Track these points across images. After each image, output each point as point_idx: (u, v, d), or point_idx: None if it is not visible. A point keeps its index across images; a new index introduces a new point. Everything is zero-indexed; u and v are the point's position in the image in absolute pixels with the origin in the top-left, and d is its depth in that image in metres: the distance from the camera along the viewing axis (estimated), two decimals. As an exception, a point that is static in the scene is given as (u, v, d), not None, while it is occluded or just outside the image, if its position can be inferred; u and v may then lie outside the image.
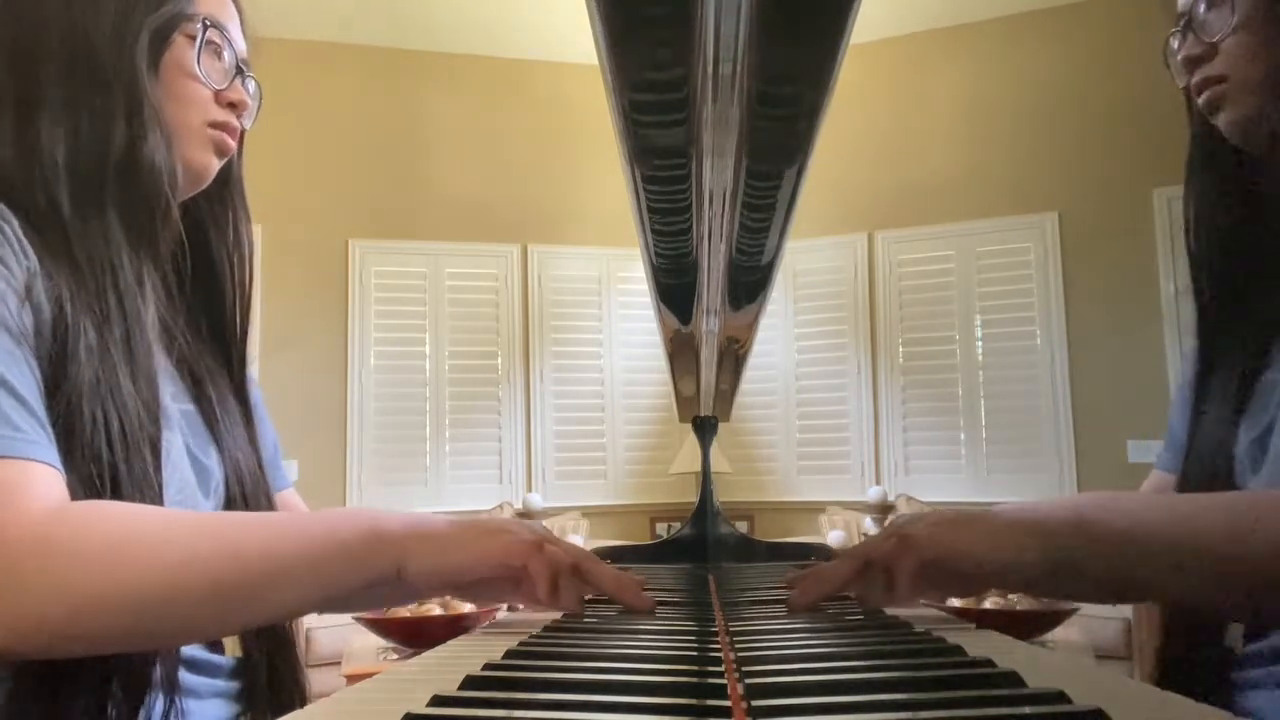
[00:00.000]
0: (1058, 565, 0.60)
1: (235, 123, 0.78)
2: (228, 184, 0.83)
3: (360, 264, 4.50)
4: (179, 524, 0.58)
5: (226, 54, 0.77)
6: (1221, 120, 0.76)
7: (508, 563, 0.61)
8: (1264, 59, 0.72)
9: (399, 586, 0.61)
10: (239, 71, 0.78)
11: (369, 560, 0.60)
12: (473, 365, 4.59)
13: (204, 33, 0.74)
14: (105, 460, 0.60)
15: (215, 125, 0.77)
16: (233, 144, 0.79)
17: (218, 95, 0.76)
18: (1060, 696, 0.34)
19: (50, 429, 0.58)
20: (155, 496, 0.63)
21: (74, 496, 0.58)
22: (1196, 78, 0.77)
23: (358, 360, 4.44)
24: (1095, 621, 3.19)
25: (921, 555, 0.61)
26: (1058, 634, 2.01)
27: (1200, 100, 0.77)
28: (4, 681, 0.56)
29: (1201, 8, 0.75)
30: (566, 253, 4.73)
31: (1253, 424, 0.73)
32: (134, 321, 0.66)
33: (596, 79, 0.53)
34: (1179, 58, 0.78)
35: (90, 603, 0.52)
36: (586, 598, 0.67)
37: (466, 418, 4.56)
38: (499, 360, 4.63)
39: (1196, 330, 0.83)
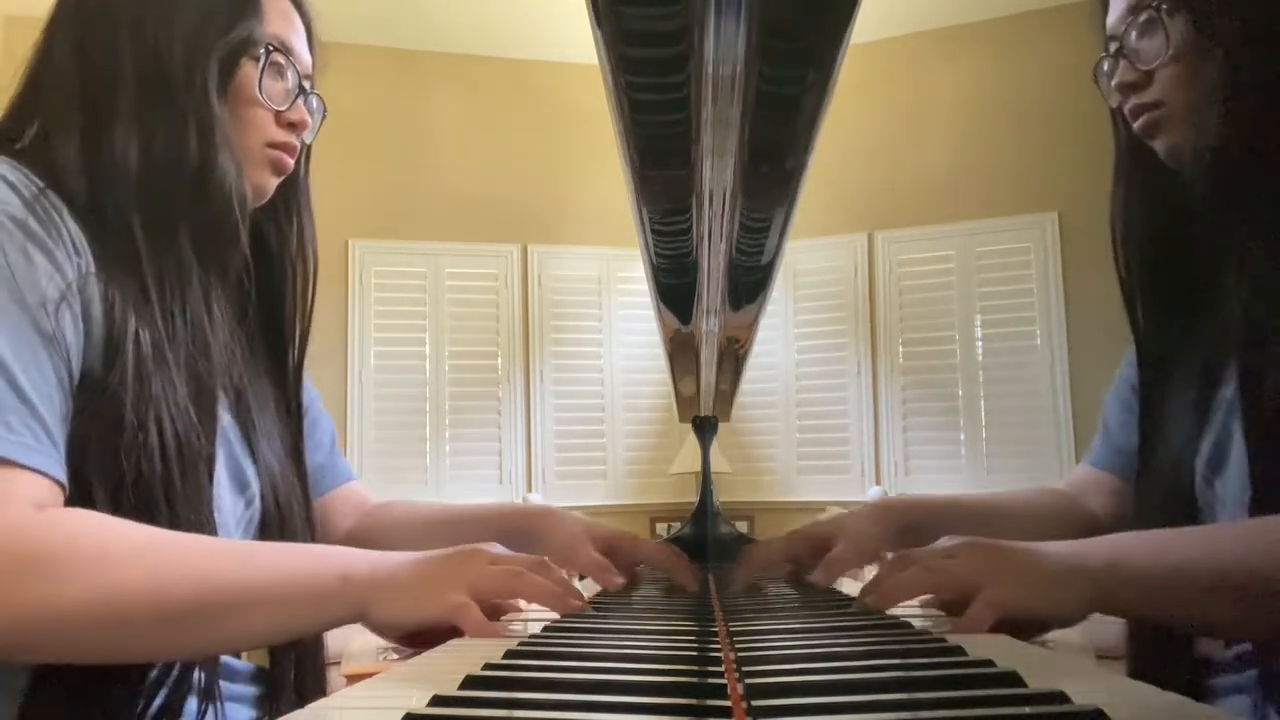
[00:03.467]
0: (1095, 607, 0.62)
1: (294, 142, 0.78)
2: (295, 197, 0.83)
3: (360, 264, 4.50)
4: (158, 544, 0.57)
5: (290, 74, 0.76)
6: (1158, 145, 0.77)
7: (451, 622, 0.60)
8: (1196, 87, 0.73)
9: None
10: (301, 90, 0.78)
11: (334, 604, 0.60)
12: (473, 365, 4.59)
13: (267, 57, 0.74)
14: (159, 474, 0.60)
15: (274, 145, 0.76)
16: (290, 162, 0.79)
17: (278, 116, 0.76)
18: (1060, 696, 0.34)
19: (57, 436, 0.57)
20: (206, 512, 0.64)
21: (121, 508, 0.58)
22: (1131, 103, 0.77)
23: (358, 360, 4.44)
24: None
25: (1000, 616, 0.59)
26: (1058, 634, 2.01)
27: (1136, 125, 0.77)
28: (21, 677, 0.57)
29: (1133, 35, 0.75)
30: (566, 253, 4.72)
31: (1208, 435, 0.73)
32: (200, 345, 0.66)
33: (596, 79, 0.53)
34: (1113, 83, 0.78)
35: (57, 614, 0.51)
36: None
37: (466, 418, 4.56)
38: (499, 360, 4.63)
39: (1137, 351, 0.84)
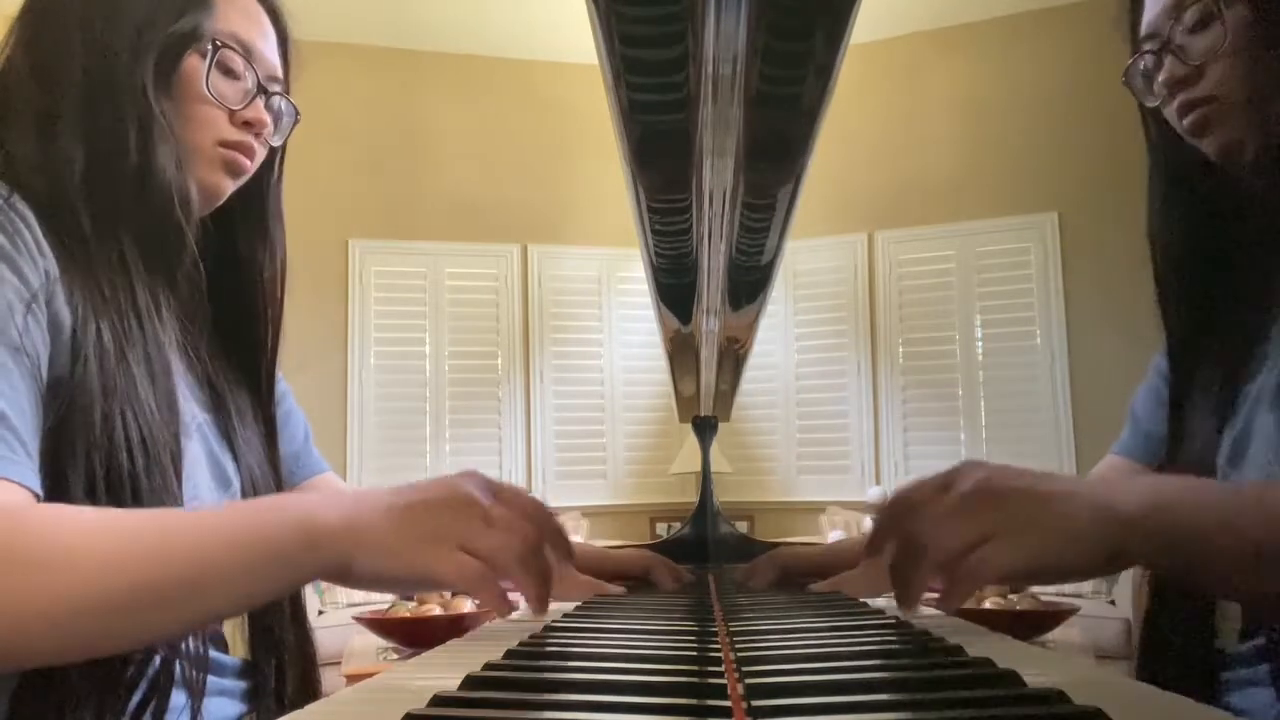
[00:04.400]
0: (1120, 557, 0.56)
1: (250, 141, 0.76)
2: (263, 204, 0.82)
3: (360, 264, 4.50)
4: (114, 528, 0.54)
5: (247, 74, 0.75)
6: (1209, 142, 0.76)
7: (450, 585, 0.58)
8: (1252, 79, 0.72)
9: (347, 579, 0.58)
10: (261, 90, 0.76)
11: (305, 561, 0.55)
12: (473, 365, 4.59)
13: (214, 53, 0.73)
14: (125, 469, 0.60)
15: (227, 145, 0.75)
16: (247, 163, 0.77)
17: (232, 115, 0.74)
18: (1060, 696, 0.34)
19: (31, 446, 0.56)
20: (177, 505, 0.63)
21: (91, 503, 0.57)
22: (1180, 100, 0.76)
23: (358, 360, 4.44)
24: (1095, 621, 3.19)
25: (984, 583, 0.55)
26: (1058, 634, 2.01)
27: (1186, 122, 0.76)
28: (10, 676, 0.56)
29: (1180, 30, 0.75)
30: (566, 253, 4.73)
31: (1230, 430, 0.73)
32: (152, 342, 0.65)
33: (596, 79, 0.53)
34: (1160, 79, 0.78)
35: (24, 613, 0.49)
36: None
37: (466, 418, 4.56)
38: (499, 360, 4.63)
39: (1167, 348, 0.83)
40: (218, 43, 0.73)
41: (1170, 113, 0.78)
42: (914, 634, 0.54)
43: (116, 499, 0.59)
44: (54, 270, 0.61)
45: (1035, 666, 0.42)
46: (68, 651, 0.53)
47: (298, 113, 0.82)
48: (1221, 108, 0.74)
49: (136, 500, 0.60)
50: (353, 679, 2.20)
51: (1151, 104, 0.79)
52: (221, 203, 0.78)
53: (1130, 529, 0.55)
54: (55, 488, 0.58)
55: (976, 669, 0.41)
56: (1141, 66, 0.79)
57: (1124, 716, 0.32)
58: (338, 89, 4.55)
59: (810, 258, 4.59)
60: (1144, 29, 0.79)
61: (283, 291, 0.84)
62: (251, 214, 0.82)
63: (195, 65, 0.72)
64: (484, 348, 4.62)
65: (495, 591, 0.57)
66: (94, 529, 0.53)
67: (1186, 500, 0.57)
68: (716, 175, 0.63)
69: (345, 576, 0.57)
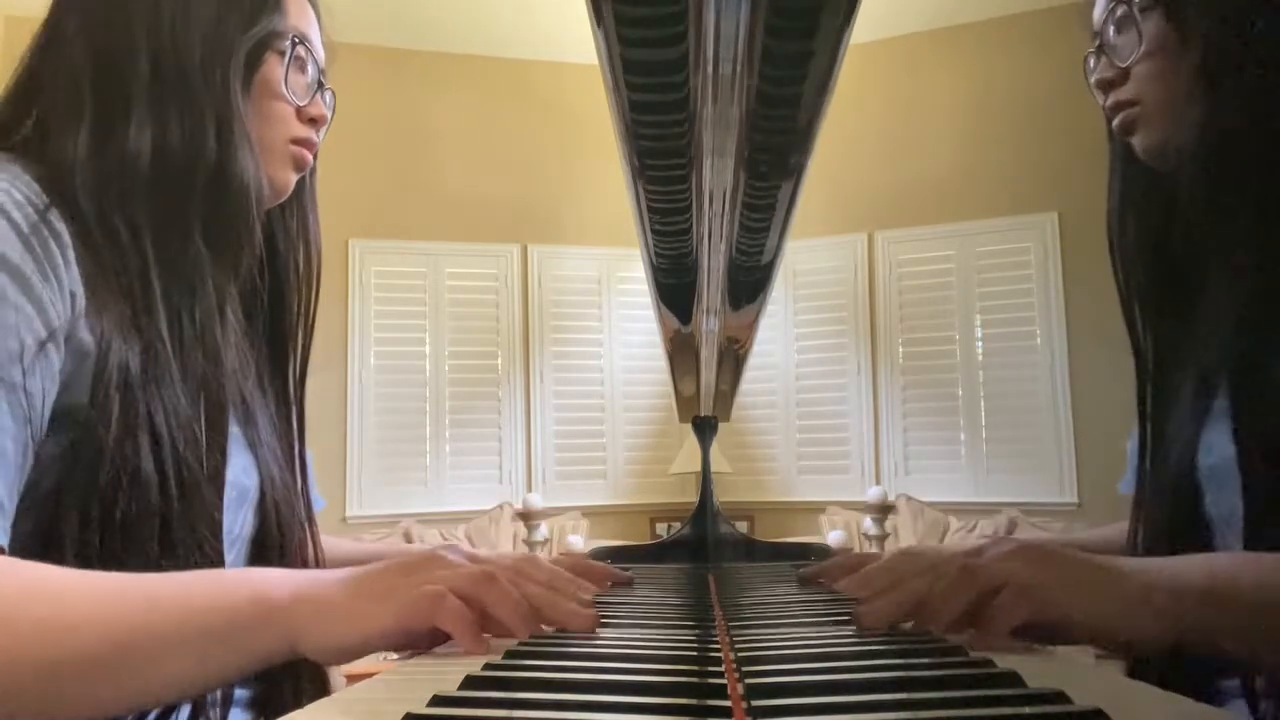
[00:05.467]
0: (1183, 640, 0.51)
1: (315, 138, 0.77)
2: (302, 198, 0.82)
3: (360, 264, 4.50)
4: (63, 595, 0.50)
5: (310, 68, 0.76)
6: (1136, 143, 0.76)
7: (409, 628, 0.52)
8: (1171, 83, 0.72)
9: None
10: (319, 85, 0.77)
11: (257, 634, 0.51)
12: (473, 365, 4.59)
13: (293, 49, 0.73)
14: (154, 503, 0.58)
15: (296, 141, 0.76)
16: (310, 159, 0.78)
17: (299, 111, 0.75)
18: (1060, 696, 0.34)
19: (3, 494, 0.53)
20: (208, 534, 0.61)
21: (102, 544, 0.55)
22: (1110, 100, 0.76)
23: (358, 360, 4.44)
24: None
25: (1032, 616, 0.51)
26: (1058, 634, 2.01)
27: (1115, 123, 0.77)
28: None
29: (1111, 31, 0.75)
30: (566, 253, 4.73)
31: (1206, 446, 0.71)
32: (210, 352, 0.64)
33: (596, 79, 0.53)
34: (1092, 80, 0.78)
35: None
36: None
37: (466, 418, 4.56)
38: (499, 360, 4.63)
39: (1135, 359, 0.82)
40: (295, 40, 0.73)
41: (1106, 112, 0.78)
42: (914, 634, 0.54)
43: (133, 538, 0.57)
44: (80, 292, 0.59)
45: (1035, 666, 0.42)
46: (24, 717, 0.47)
47: (335, 104, 0.83)
48: (1145, 109, 0.74)
49: (165, 530, 0.58)
50: (353, 679, 2.19)
51: (1101, 102, 0.80)
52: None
53: (1180, 602, 0.51)
54: (46, 530, 0.55)
55: (977, 669, 0.41)
56: (1091, 65, 0.79)
57: (1124, 716, 0.32)
58: (338, 88, 4.53)
59: (810, 258, 4.59)
60: (1094, 24, 0.79)
61: (319, 287, 0.83)
62: (297, 208, 0.82)
63: (274, 63, 0.72)
64: (484, 348, 4.62)
65: (456, 611, 0.51)
66: (34, 590, 0.49)
67: (1248, 570, 0.54)
68: (716, 175, 0.63)
69: (297, 650, 0.52)
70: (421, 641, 0.53)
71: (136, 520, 0.58)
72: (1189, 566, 0.55)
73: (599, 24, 0.46)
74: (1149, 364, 0.81)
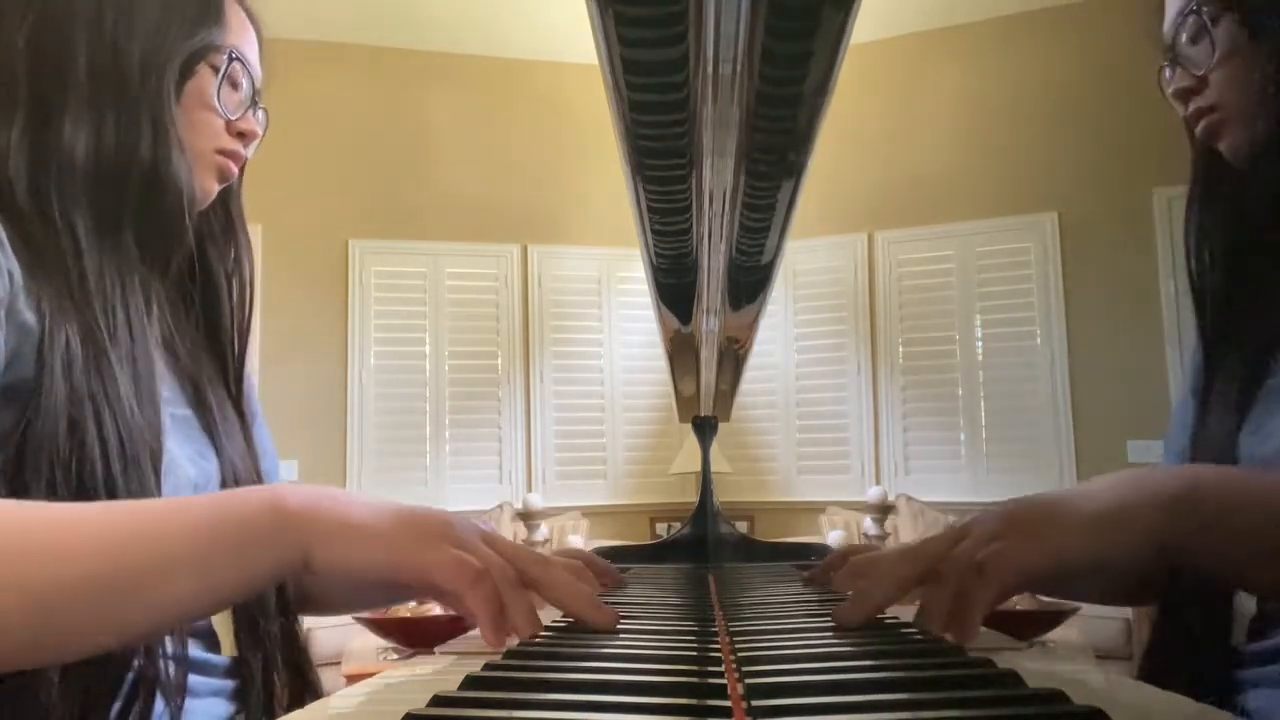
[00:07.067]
0: (1162, 551, 0.52)
1: (242, 151, 0.79)
2: (229, 210, 0.84)
3: (360, 264, 4.50)
4: (60, 521, 0.50)
5: (244, 85, 0.78)
6: (1223, 147, 0.78)
7: (429, 582, 0.52)
8: (1249, 86, 0.73)
9: (302, 579, 0.54)
10: (253, 103, 0.79)
11: (271, 541, 0.50)
12: (473, 365, 4.59)
13: (228, 65, 0.76)
14: (100, 475, 0.59)
15: (222, 152, 0.77)
16: (235, 171, 0.80)
17: (229, 124, 0.77)
18: (1060, 696, 0.34)
19: None
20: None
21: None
22: (1190, 109, 0.78)
23: (358, 360, 4.44)
24: (1095, 621, 3.19)
25: (1004, 585, 0.51)
26: (1058, 634, 2.01)
27: (1198, 131, 0.79)
28: None
29: (1184, 40, 0.76)
30: (566, 253, 4.73)
31: (1254, 428, 0.73)
32: (139, 340, 0.66)
33: (596, 79, 0.53)
34: (1169, 91, 0.79)
35: None
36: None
37: (466, 418, 4.56)
38: (499, 360, 4.63)
39: (1204, 355, 0.83)
40: (232, 55, 0.76)
41: (1187, 120, 0.79)
42: (914, 634, 0.54)
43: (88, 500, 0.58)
44: (17, 272, 0.60)
45: (1035, 666, 0.42)
46: (22, 652, 0.48)
47: (268, 124, 0.85)
48: (1224, 116, 0.76)
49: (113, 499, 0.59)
50: (353, 679, 2.20)
51: (1181, 113, 0.81)
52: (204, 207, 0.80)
53: (1162, 512, 0.52)
54: (16, 494, 0.56)
55: (976, 669, 0.41)
56: (1167, 76, 0.81)
57: (1124, 716, 0.32)
58: (338, 89, 4.55)
59: (810, 258, 4.59)
60: (1164, 37, 0.81)
61: (252, 298, 0.85)
62: (225, 225, 0.84)
63: (207, 75, 0.75)
64: (484, 348, 4.62)
65: (490, 592, 0.51)
66: (39, 518, 0.49)
67: (1227, 483, 0.54)
68: (716, 175, 0.63)
69: (305, 571, 0.52)
70: (408, 596, 0.52)
71: (88, 491, 0.58)
72: (1169, 476, 0.56)
73: (599, 24, 0.46)
74: (1217, 359, 0.82)
